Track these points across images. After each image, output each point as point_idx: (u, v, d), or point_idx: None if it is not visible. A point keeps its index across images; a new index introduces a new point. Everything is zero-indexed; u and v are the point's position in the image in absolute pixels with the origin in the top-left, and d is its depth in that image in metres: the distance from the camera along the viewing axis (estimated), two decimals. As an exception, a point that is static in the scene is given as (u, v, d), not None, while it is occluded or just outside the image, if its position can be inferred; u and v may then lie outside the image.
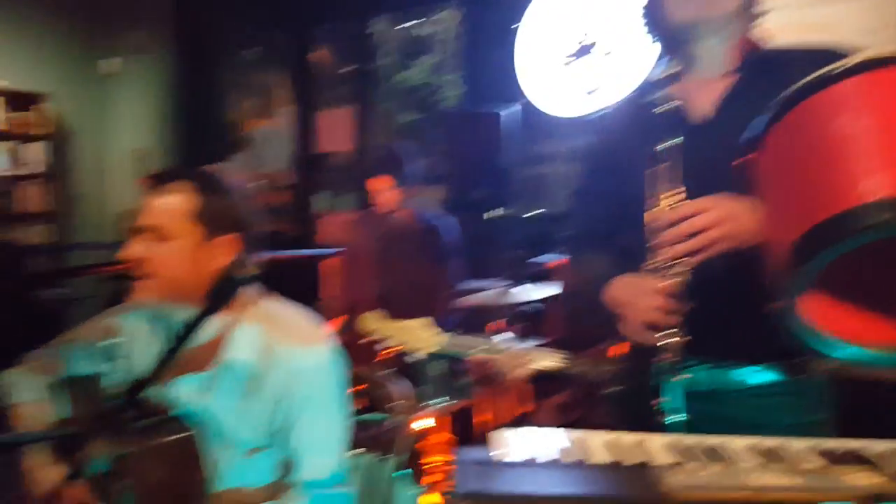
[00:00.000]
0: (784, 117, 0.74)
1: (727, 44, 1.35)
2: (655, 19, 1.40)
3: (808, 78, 0.73)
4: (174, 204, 1.42)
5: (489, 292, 3.17)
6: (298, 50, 6.07)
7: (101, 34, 6.85)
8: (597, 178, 1.57)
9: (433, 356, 2.73)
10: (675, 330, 1.26)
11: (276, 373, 1.45)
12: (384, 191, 3.42)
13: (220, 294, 0.87)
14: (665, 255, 1.26)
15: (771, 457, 0.89)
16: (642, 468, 0.83)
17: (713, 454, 0.91)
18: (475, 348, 2.27)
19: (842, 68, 0.71)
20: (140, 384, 1.01)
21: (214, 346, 1.47)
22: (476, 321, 3.35)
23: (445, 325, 3.22)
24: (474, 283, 3.60)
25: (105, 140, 7.02)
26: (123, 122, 7.02)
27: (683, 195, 1.26)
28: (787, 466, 0.84)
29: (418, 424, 3.29)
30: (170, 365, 1.49)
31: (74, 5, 6.61)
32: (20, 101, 6.31)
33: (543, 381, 2.54)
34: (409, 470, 2.63)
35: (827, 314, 0.75)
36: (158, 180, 1.45)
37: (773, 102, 0.74)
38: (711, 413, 1.37)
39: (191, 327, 0.95)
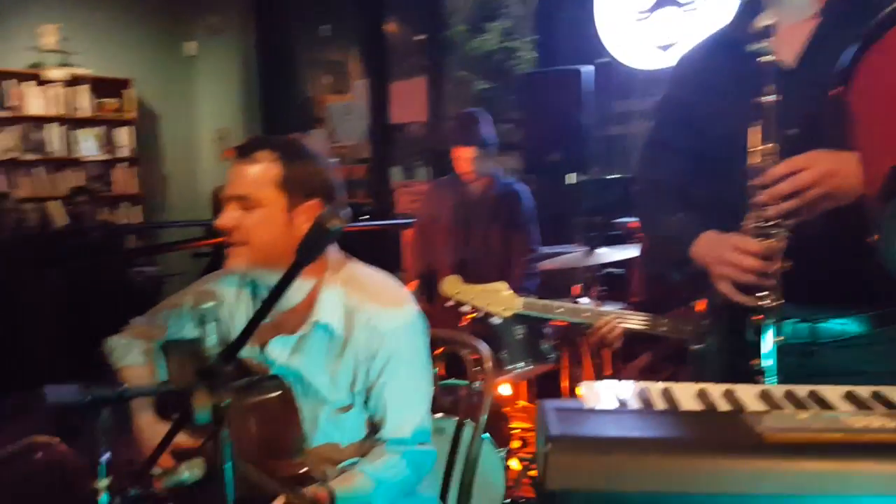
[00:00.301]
0: (877, 42, 0.71)
1: None
2: None
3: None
4: (260, 173, 1.45)
5: (571, 255, 3.15)
6: (371, 22, 6.09)
7: (180, 18, 7.06)
8: (675, 130, 1.53)
9: (514, 320, 2.75)
10: (769, 293, 1.22)
11: (360, 333, 1.50)
12: (467, 157, 3.42)
13: (307, 252, 0.90)
14: (764, 215, 1.23)
15: (865, 403, 0.87)
16: (734, 414, 0.82)
17: (806, 402, 0.89)
18: (554, 311, 2.28)
19: None
20: (236, 345, 1.05)
21: (303, 309, 1.53)
22: (557, 285, 3.34)
23: (525, 289, 3.24)
24: (555, 248, 3.59)
25: (189, 121, 7.26)
26: (206, 103, 7.24)
27: (776, 149, 1.22)
28: (882, 411, 0.82)
29: (501, 389, 3.33)
30: (263, 325, 1.56)
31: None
32: (106, 87, 6.59)
33: (628, 344, 2.51)
34: (491, 435, 2.68)
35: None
36: (243, 151, 1.49)
37: (866, 28, 0.71)
38: (805, 366, 1.35)
39: (280, 286, 0.98)
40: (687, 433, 0.77)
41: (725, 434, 0.75)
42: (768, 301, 1.23)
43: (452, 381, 2.80)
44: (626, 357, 2.83)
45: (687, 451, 0.72)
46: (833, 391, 0.93)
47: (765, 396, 0.92)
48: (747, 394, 0.94)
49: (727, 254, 1.27)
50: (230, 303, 1.60)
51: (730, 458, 0.71)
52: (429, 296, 3.62)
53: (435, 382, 2.08)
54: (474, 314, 2.80)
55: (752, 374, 1.29)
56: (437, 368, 1.92)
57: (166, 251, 6.48)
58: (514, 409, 3.57)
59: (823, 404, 0.89)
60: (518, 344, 2.86)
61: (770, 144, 1.23)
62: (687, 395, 0.96)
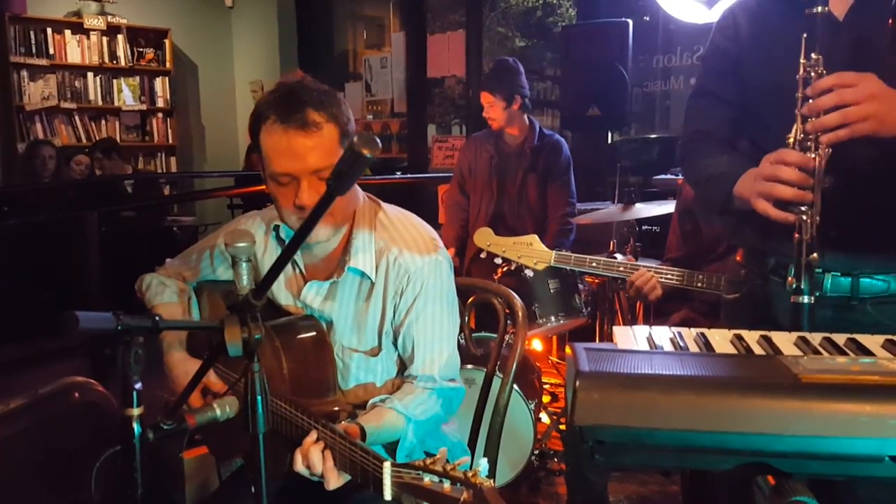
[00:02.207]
0: None
1: None
2: None
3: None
4: (325, 142, 1.39)
5: (607, 210, 3.11)
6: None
7: (219, -32, 7.03)
8: (721, 80, 1.49)
9: (547, 273, 2.74)
10: (808, 210, 1.19)
11: (389, 273, 1.50)
12: (491, 103, 3.38)
13: (340, 180, 0.87)
14: (806, 127, 1.19)
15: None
16: (771, 357, 0.81)
17: (844, 349, 0.87)
18: (587, 265, 2.26)
19: None
20: (267, 280, 1.05)
21: (337, 256, 1.53)
22: (593, 240, 3.31)
23: (561, 243, 3.22)
24: (591, 204, 3.55)
25: (226, 73, 7.27)
26: (243, 55, 7.23)
27: (822, 61, 1.19)
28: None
29: (533, 344, 3.33)
30: (298, 274, 1.57)
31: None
32: (144, 37, 6.61)
33: (664, 301, 2.49)
34: (522, 388, 2.68)
35: None
36: (302, 121, 1.38)
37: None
38: (843, 320, 1.33)
39: (313, 216, 0.96)
40: (720, 373, 0.75)
41: (761, 374, 0.74)
42: (806, 218, 1.19)
43: (484, 333, 2.80)
44: (660, 314, 2.81)
45: (720, 390, 0.71)
46: (872, 339, 0.91)
47: (802, 342, 0.90)
48: (784, 340, 0.92)
49: (765, 168, 1.24)
50: (260, 246, 1.60)
51: (765, 397, 0.69)
52: (461, 251, 3.62)
53: (467, 333, 2.09)
54: (506, 267, 2.81)
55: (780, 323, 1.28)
56: (466, 319, 1.91)
57: (201, 199, 6.55)
58: (546, 364, 3.57)
59: (862, 350, 0.86)
60: (551, 298, 2.84)
61: (817, 56, 1.19)
62: (722, 339, 0.94)
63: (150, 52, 6.64)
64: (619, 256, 2.87)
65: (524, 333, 1.78)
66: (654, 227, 3.33)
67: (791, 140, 1.22)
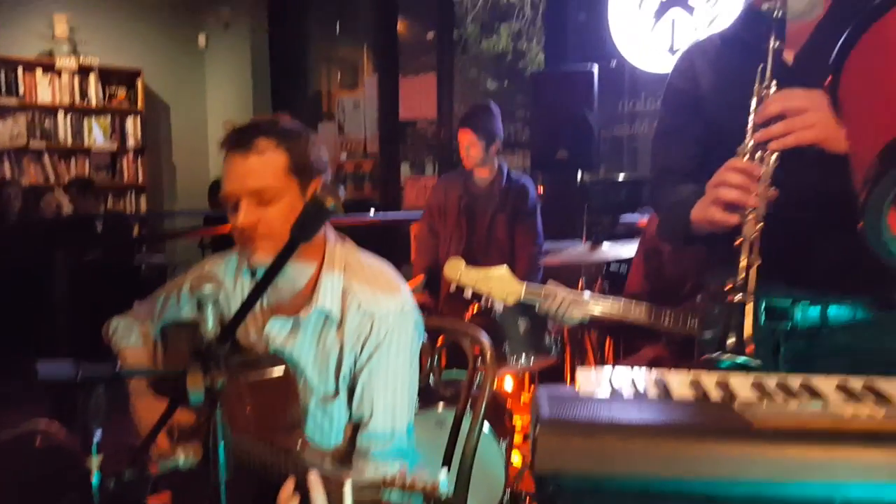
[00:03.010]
0: (865, 33, 0.72)
1: None
2: None
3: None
4: (269, 163, 1.41)
5: (575, 250, 3.15)
6: (382, 20, 6.10)
7: (192, 10, 7.08)
8: (681, 118, 1.56)
9: (517, 312, 2.75)
10: (754, 212, 1.23)
11: (352, 317, 1.49)
12: (470, 142, 3.43)
13: (303, 230, 0.89)
14: (754, 137, 1.25)
15: (856, 394, 0.87)
16: (726, 402, 0.82)
17: (798, 392, 0.89)
18: (553, 297, 2.27)
19: None
20: (232, 325, 1.05)
21: (305, 294, 1.53)
22: (561, 279, 3.33)
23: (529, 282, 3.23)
24: (560, 243, 3.59)
25: (198, 113, 7.28)
26: (216, 95, 7.26)
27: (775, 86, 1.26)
28: (872, 401, 0.82)
29: (503, 381, 3.33)
30: (264, 311, 1.56)
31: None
32: (116, 77, 6.61)
33: (633, 337, 2.52)
34: (493, 428, 2.67)
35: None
36: (240, 143, 1.42)
37: (856, 20, 0.72)
38: (813, 347, 1.37)
39: (276, 265, 0.97)
40: (677, 419, 0.77)
41: (715, 420, 0.75)
42: (752, 221, 1.23)
43: (454, 372, 2.80)
44: (630, 351, 2.83)
45: (676, 436, 0.72)
46: (825, 382, 0.93)
47: (757, 386, 0.92)
48: (740, 383, 0.94)
49: (715, 176, 1.30)
50: (228, 287, 1.60)
51: (718, 443, 0.71)
52: (433, 289, 3.64)
53: (437, 373, 2.09)
54: (477, 304, 2.81)
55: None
56: (436, 359, 1.92)
57: (171, 239, 6.52)
58: (518, 403, 3.57)
59: (815, 394, 0.89)
60: (521, 337, 2.85)
61: (770, 85, 1.27)
62: (681, 383, 0.96)
63: (121, 92, 6.63)
64: (587, 294, 2.90)
65: (493, 373, 1.79)
66: (622, 267, 3.37)
67: (741, 151, 1.28)
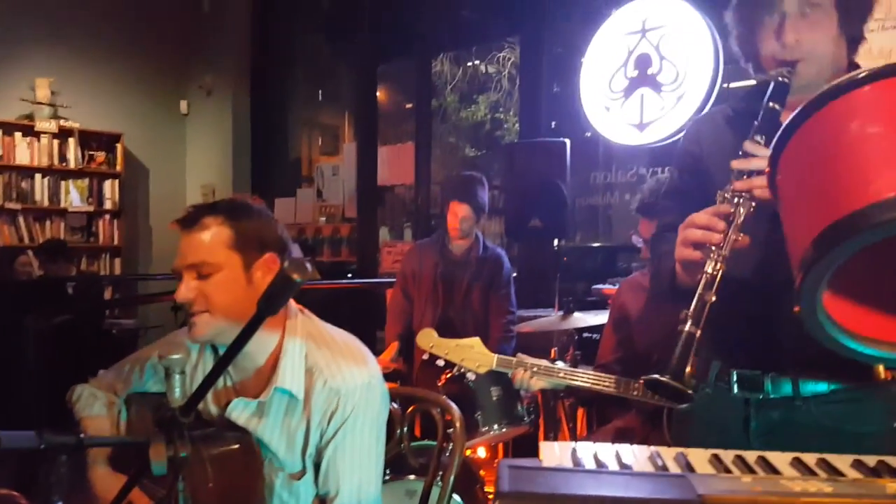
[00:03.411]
0: (803, 125, 0.77)
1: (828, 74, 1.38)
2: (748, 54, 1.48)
3: (826, 87, 0.76)
4: (210, 238, 1.45)
5: (547, 319, 3.18)
6: (363, 89, 6.25)
7: (174, 76, 7.20)
8: (689, 177, 1.60)
9: (490, 381, 2.76)
10: (718, 251, 1.24)
11: (318, 394, 1.48)
12: (460, 214, 3.49)
13: (269, 303, 0.90)
14: (735, 185, 1.29)
15: (810, 469, 0.89)
16: (681, 476, 0.84)
17: (754, 466, 0.91)
18: (528, 369, 2.29)
19: (853, 79, 0.74)
20: (195, 398, 1.06)
21: (266, 372, 1.52)
22: (534, 347, 3.35)
23: (502, 351, 3.25)
24: (533, 311, 3.62)
25: (178, 177, 7.32)
26: (196, 160, 7.32)
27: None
28: (824, 477, 0.84)
29: (477, 451, 3.30)
30: (227, 389, 1.56)
31: (147, 48, 6.96)
32: (96, 140, 6.66)
33: (606, 405, 2.53)
34: (466, 498, 2.64)
35: (852, 316, 0.76)
36: (188, 221, 1.48)
37: (795, 112, 0.77)
38: (788, 421, 1.40)
39: (241, 339, 0.98)
40: (632, 493, 0.78)
41: (668, 494, 0.77)
42: (715, 259, 1.25)
43: (424, 442, 2.77)
44: (603, 421, 2.84)
45: (629, 510, 0.74)
46: (782, 457, 0.96)
47: (715, 460, 0.94)
48: (698, 457, 0.96)
49: (688, 217, 1.33)
50: (192, 361, 1.60)
51: (671, 517, 0.72)
52: (407, 355, 3.63)
53: (406, 444, 2.07)
54: (450, 371, 2.82)
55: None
56: (405, 428, 1.91)
57: (144, 303, 6.46)
58: (491, 472, 3.53)
59: (770, 469, 0.91)
60: (493, 405, 2.85)
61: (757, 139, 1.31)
62: (640, 457, 0.97)
63: (100, 156, 6.67)
64: (559, 363, 2.91)
65: (462, 443, 1.78)
66: (594, 335, 3.39)
67: (720, 195, 1.31)
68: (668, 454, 0.98)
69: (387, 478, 2.53)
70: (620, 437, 2.42)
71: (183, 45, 7.13)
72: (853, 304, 0.77)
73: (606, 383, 2.25)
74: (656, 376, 1.15)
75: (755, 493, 0.75)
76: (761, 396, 1.41)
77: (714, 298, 1.23)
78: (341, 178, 6.40)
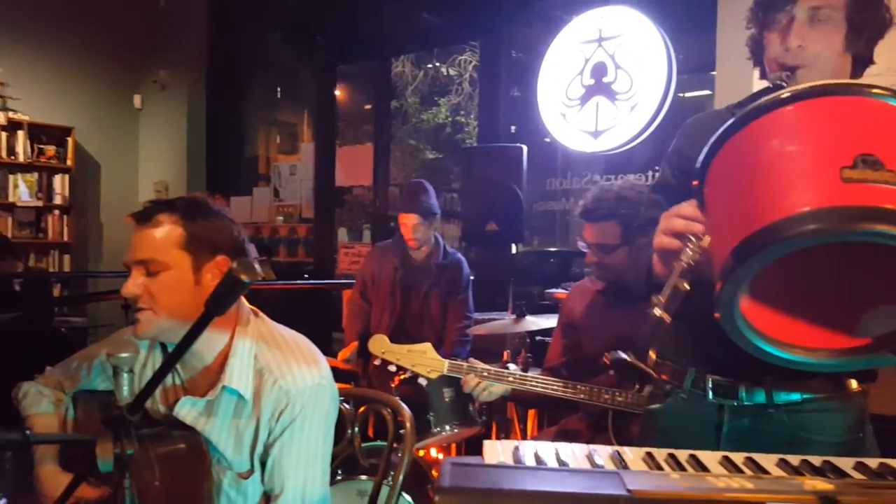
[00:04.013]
0: (730, 140, 0.82)
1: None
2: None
3: (751, 106, 0.81)
4: (161, 236, 1.44)
5: (500, 322, 3.22)
6: (322, 88, 6.23)
7: (128, 70, 7.07)
8: (677, 174, 1.59)
9: (442, 382, 2.79)
10: (697, 240, 1.24)
11: (267, 394, 1.49)
12: (410, 224, 3.51)
13: (217, 303, 0.91)
14: None
15: (738, 467, 0.94)
16: (613, 473, 0.88)
17: (685, 464, 0.95)
18: (478, 374, 2.33)
19: (777, 98, 0.78)
20: (142, 396, 1.06)
21: (214, 371, 1.52)
22: (489, 350, 3.40)
23: (457, 354, 3.29)
24: (487, 314, 3.66)
25: (130, 173, 7.19)
26: (149, 156, 7.20)
27: None
28: (751, 474, 0.89)
29: (428, 452, 3.32)
30: (175, 387, 1.56)
31: (100, 41, 6.83)
32: (45, 134, 6.51)
33: (556, 407, 2.58)
34: (418, 498, 2.66)
35: (772, 322, 0.80)
36: (143, 217, 1.47)
37: (723, 128, 0.81)
38: (760, 430, 1.42)
39: (188, 338, 0.99)
40: (565, 488, 0.82)
41: (600, 490, 0.80)
42: (693, 248, 1.23)
43: (376, 442, 2.79)
44: (553, 422, 2.89)
45: (563, 503, 0.77)
46: (712, 456, 1.00)
47: (648, 458, 0.98)
48: (633, 456, 1.00)
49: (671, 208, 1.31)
50: (141, 359, 1.59)
51: (600, 511, 0.75)
52: (366, 357, 3.64)
53: (357, 444, 2.09)
54: (403, 373, 2.84)
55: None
56: (356, 429, 1.92)
57: (93, 301, 6.33)
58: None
59: (700, 467, 0.95)
60: (446, 407, 2.88)
61: None
62: (578, 455, 1.01)
63: (50, 149, 6.52)
64: (511, 366, 2.96)
65: (412, 443, 1.80)
66: (546, 338, 3.45)
67: None
68: (605, 453, 1.02)
69: (339, 478, 2.54)
70: (567, 437, 2.46)
71: (137, 38, 7.01)
72: (773, 310, 0.81)
73: (553, 387, 2.30)
74: (622, 354, 1.15)
75: (681, 488, 0.79)
76: (735, 403, 1.43)
77: (687, 287, 1.18)
78: (299, 178, 6.37)
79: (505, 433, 3.29)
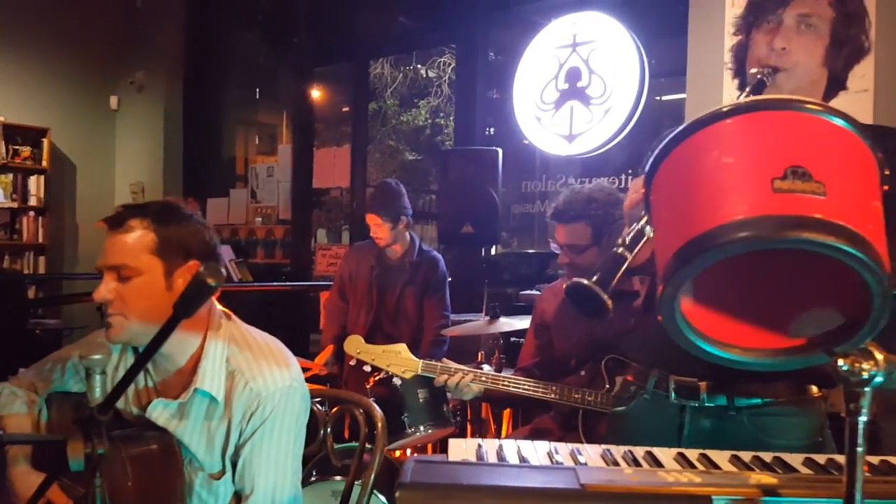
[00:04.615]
0: (673, 150, 0.86)
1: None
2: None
3: (695, 118, 0.85)
4: (133, 242, 1.45)
5: (475, 323, 3.25)
6: (300, 90, 6.23)
7: (105, 71, 7.03)
8: None
9: (417, 383, 2.81)
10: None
11: (239, 396, 1.50)
12: (376, 224, 3.54)
13: (184, 306, 0.93)
14: None
15: (692, 463, 0.97)
16: (571, 468, 0.91)
17: (640, 460, 0.99)
18: (451, 374, 2.36)
19: (718, 111, 0.83)
20: (113, 396, 1.07)
21: (187, 374, 1.53)
22: (464, 350, 3.43)
23: (434, 354, 3.31)
24: (463, 315, 3.70)
25: (106, 174, 7.14)
26: (125, 156, 7.15)
27: None
28: (700, 470, 0.92)
29: (403, 453, 3.35)
30: (147, 389, 1.57)
31: (77, 42, 6.78)
32: (20, 135, 6.45)
33: (529, 407, 2.61)
34: (392, 498, 2.69)
35: (713, 323, 0.85)
36: (115, 222, 1.48)
37: (668, 138, 0.85)
38: (721, 432, 1.45)
39: (157, 340, 1.01)
40: (522, 483, 0.85)
41: (555, 484, 0.84)
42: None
43: (350, 443, 2.81)
44: (527, 421, 2.92)
45: (516, 498, 0.80)
46: (667, 452, 1.04)
47: (606, 454, 1.02)
48: (592, 452, 1.04)
49: None
50: (114, 361, 1.60)
51: (552, 503, 0.79)
52: (340, 357, 3.66)
53: (329, 444, 2.11)
54: (378, 374, 2.87)
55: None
56: (329, 430, 1.94)
57: (68, 303, 6.28)
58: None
59: (655, 462, 0.99)
60: (420, 407, 2.90)
61: None
62: (539, 452, 1.05)
63: (26, 150, 6.46)
64: (485, 367, 2.99)
65: (384, 444, 1.82)
66: (520, 339, 3.49)
67: None
68: (565, 450, 1.05)
69: (313, 479, 2.56)
70: (539, 436, 2.50)
71: (114, 39, 6.96)
72: (715, 312, 0.85)
73: (526, 386, 2.33)
74: (581, 280, 1.12)
75: (632, 482, 0.83)
76: (696, 404, 1.45)
77: (652, 233, 1.13)
78: (276, 180, 6.37)
79: (480, 433, 3.33)
